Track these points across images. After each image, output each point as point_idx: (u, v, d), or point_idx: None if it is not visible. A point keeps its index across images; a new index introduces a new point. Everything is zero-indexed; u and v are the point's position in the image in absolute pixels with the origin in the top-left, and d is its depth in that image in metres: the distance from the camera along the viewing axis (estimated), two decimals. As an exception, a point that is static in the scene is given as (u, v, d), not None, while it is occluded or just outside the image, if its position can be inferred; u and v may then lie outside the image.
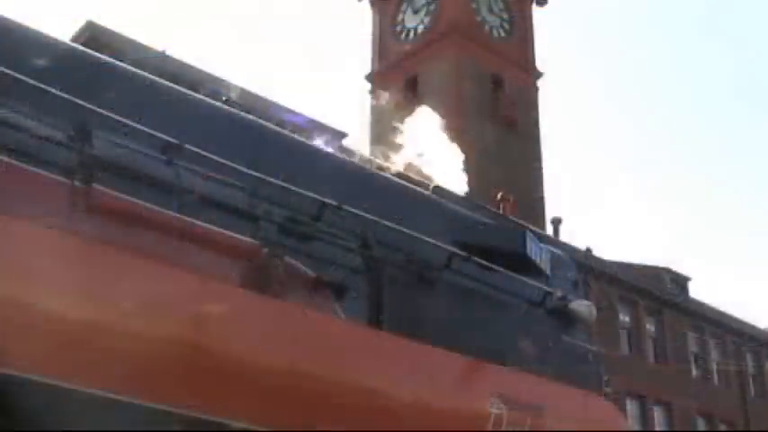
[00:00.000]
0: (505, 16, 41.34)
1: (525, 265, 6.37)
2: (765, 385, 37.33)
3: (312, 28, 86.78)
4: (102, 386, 3.74)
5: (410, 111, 7.29)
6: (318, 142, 6.72)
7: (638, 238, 76.73)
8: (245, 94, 22.12)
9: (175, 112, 5.03)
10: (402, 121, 7.09)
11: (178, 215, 4.54)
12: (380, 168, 6.71)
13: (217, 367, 4.17)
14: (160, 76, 5.64)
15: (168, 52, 22.58)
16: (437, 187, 7.10)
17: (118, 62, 5.28)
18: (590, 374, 6.96)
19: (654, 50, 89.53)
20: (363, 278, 5.43)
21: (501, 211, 7.58)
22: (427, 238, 5.75)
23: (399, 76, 39.41)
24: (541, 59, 42.24)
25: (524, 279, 6.41)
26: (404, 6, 41.42)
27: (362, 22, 43.10)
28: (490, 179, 31.29)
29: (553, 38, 76.53)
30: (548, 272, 6.59)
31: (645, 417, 31.27)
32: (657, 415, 32.06)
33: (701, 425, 33.77)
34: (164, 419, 3.92)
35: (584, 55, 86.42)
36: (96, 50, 5.41)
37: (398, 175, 6.70)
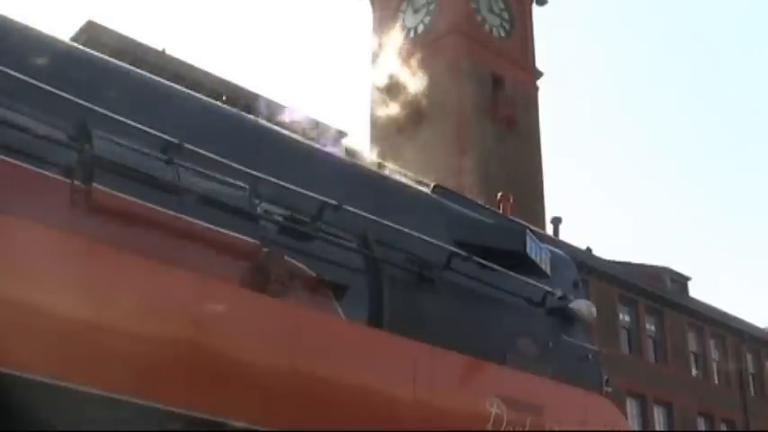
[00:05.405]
0: (506, 16, 41.35)
1: (525, 265, 6.37)
2: (765, 385, 37.32)
3: (312, 27, 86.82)
4: (102, 386, 3.74)
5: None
6: (319, 142, 6.71)
7: (638, 238, 76.81)
8: (244, 92, 22.23)
9: (175, 111, 5.03)
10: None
11: (178, 215, 4.54)
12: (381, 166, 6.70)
13: (217, 367, 4.17)
14: (160, 75, 5.64)
15: (168, 52, 22.65)
16: (437, 186, 7.10)
17: (118, 62, 5.28)
18: (590, 374, 6.96)
19: (654, 49, 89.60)
20: (363, 278, 5.43)
21: (501, 211, 7.58)
22: (427, 238, 5.75)
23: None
24: (541, 59, 42.28)
25: (524, 279, 6.41)
26: (404, 6, 41.43)
27: (362, 22, 43.13)
28: (490, 179, 31.33)
29: (553, 38, 76.53)
30: (548, 272, 6.58)
31: (645, 417, 31.27)
32: (657, 415, 32.07)
33: (702, 425, 33.76)
34: (164, 419, 3.92)
35: (584, 55, 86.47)
36: (96, 50, 5.41)
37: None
